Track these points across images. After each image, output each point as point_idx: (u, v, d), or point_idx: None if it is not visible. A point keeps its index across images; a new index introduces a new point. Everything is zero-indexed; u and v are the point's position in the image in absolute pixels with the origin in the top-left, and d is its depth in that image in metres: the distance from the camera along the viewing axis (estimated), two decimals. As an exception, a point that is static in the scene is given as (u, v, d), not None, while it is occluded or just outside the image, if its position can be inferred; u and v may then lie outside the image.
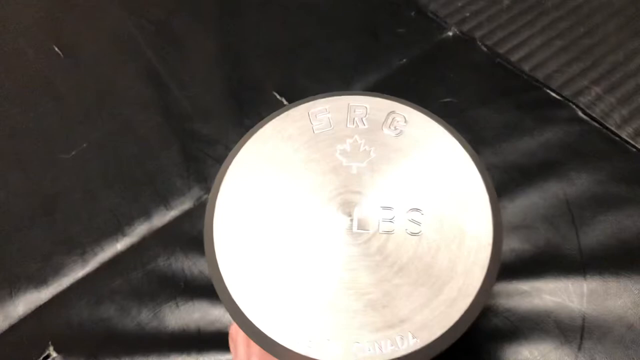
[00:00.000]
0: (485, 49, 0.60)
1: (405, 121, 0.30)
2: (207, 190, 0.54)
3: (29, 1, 0.76)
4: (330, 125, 0.30)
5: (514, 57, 0.59)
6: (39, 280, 0.51)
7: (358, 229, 0.28)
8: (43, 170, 0.58)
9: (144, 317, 0.47)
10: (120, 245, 0.52)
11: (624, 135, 0.50)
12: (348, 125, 0.30)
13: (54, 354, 0.46)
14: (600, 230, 0.45)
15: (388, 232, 0.28)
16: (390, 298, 0.26)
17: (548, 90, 0.55)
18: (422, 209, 0.28)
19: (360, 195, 0.29)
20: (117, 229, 0.53)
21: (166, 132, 0.59)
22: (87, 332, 0.47)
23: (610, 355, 0.39)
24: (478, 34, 0.62)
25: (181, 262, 0.50)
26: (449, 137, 0.30)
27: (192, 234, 0.52)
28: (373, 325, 0.26)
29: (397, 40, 0.62)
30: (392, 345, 0.26)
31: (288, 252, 0.28)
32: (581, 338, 0.40)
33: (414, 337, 0.26)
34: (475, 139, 0.52)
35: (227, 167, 0.30)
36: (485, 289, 0.27)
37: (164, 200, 0.54)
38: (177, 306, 0.48)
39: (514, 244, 0.45)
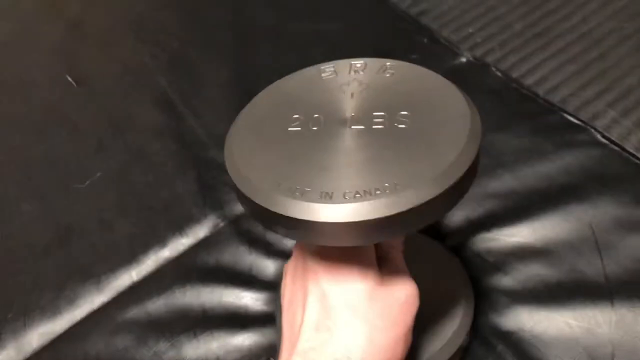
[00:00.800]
0: (499, 74, 0.60)
1: (399, 67, 0.36)
2: (224, 217, 0.54)
3: (42, 31, 0.77)
4: (336, 74, 0.37)
5: (528, 81, 0.59)
6: (53, 311, 0.50)
7: (353, 126, 0.33)
8: (57, 200, 0.58)
9: (161, 347, 0.46)
10: (136, 274, 0.52)
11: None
12: (350, 73, 0.37)
13: (70, 389, 0.46)
14: (626, 255, 0.44)
15: (379, 127, 0.32)
16: (377, 164, 0.30)
17: (565, 114, 0.55)
18: (409, 112, 0.32)
19: (356, 108, 0.34)
20: (132, 258, 0.52)
21: (181, 160, 0.59)
22: (103, 364, 0.46)
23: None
24: (491, 59, 0.62)
25: (198, 290, 0.49)
26: (434, 75, 0.35)
27: (209, 262, 0.51)
28: (363, 180, 0.30)
29: (411, 66, 0.62)
30: (378, 191, 0.28)
31: (290, 139, 0.33)
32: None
33: (398, 185, 0.29)
34: (493, 164, 0.52)
35: (248, 105, 0.37)
36: (463, 159, 0.29)
37: (179, 228, 0.54)
38: (195, 336, 0.47)
39: (537, 270, 0.45)
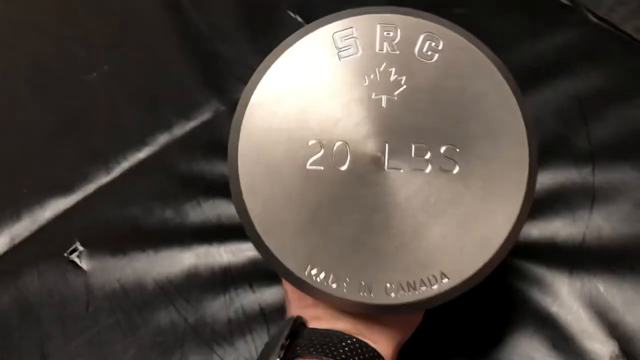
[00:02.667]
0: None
1: (441, 45, 0.28)
2: (226, 102, 0.56)
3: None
4: (358, 51, 0.28)
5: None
6: (66, 187, 0.53)
7: (389, 167, 0.27)
8: (66, 90, 0.60)
9: (168, 215, 0.49)
10: (143, 154, 0.54)
11: (629, 31, 0.51)
12: (377, 51, 0.28)
13: (80, 248, 0.48)
14: (609, 122, 0.46)
15: (421, 170, 0.27)
16: (421, 239, 0.26)
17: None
18: (457, 146, 0.27)
19: (391, 131, 0.27)
20: (139, 140, 0.55)
21: (186, 53, 0.61)
22: (112, 228, 0.49)
23: (616, 229, 0.41)
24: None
25: (202, 165, 0.52)
26: (487, 64, 0.28)
27: (213, 140, 0.53)
28: (405, 266, 0.26)
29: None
30: (423, 286, 0.26)
31: (314, 189, 0.27)
32: (589, 216, 0.42)
33: (445, 277, 0.26)
34: (488, 43, 0.53)
35: (247, 102, 0.29)
36: (517, 229, 0.26)
37: (184, 113, 0.56)
38: (199, 204, 0.49)
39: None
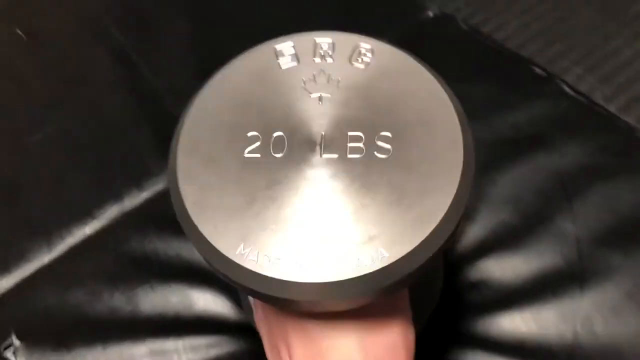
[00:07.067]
0: (466, 28, 0.59)
1: (374, 53, 0.30)
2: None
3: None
4: (297, 61, 0.30)
5: (496, 37, 0.59)
6: (1, 267, 0.47)
7: (324, 153, 0.27)
8: (6, 154, 0.55)
9: (117, 301, 0.44)
10: (89, 229, 0.49)
11: (611, 109, 0.50)
12: (315, 60, 0.30)
13: (17, 343, 0.43)
14: (594, 202, 0.44)
15: (356, 155, 0.27)
16: (359, 218, 0.26)
17: (533, 67, 0.54)
18: (391, 132, 0.28)
19: (327, 123, 0.28)
20: (85, 213, 0.50)
21: (137, 114, 0.57)
22: (54, 318, 0.44)
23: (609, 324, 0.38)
24: (459, 16, 0.61)
25: (155, 243, 0.47)
26: (417, 66, 0.30)
27: (166, 214, 0.48)
28: (343, 244, 0.26)
29: (377, 20, 0.60)
30: (363, 261, 0.25)
31: (250, 175, 0.27)
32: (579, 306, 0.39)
33: (385, 251, 0.25)
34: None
35: (190, 105, 0.30)
36: (457, 206, 0.26)
37: (136, 182, 0.51)
38: (153, 289, 0.45)
39: (504, 216, 0.44)
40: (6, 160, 0.54)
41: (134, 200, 0.50)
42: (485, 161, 0.48)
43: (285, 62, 0.30)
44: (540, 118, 0.49)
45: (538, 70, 0.54)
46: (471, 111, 0.50)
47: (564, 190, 0.45)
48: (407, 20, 0.60)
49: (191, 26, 0.64)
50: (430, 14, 0.61)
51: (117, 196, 0.51)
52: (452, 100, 0.28)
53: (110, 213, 0.50)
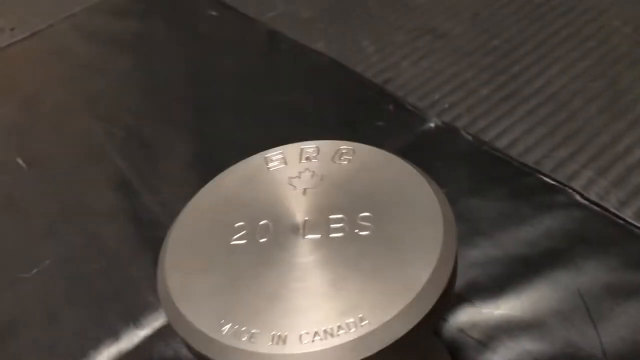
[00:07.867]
0: (470, 138, 0.58)
1: (354, 152, 0.32)
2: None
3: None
4: (284, 164, 0.33)
5: (500, 144, 0.57)
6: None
7: (307, 234, 0.29)
8: (0, 291, 0.53)
9: None
10: (85, 372, 0.46)
11: (626, 217, 0.48)
12: (300, 162, 0.33)
13: None
14: (621, 324, 0.41)
15: (338, 235, 0.28)
16: (340, 289, 0.26)
17: (540, 175, 0.52)
18: (372, 214, 0.29)
19: (310, 211, 0.30)
20: (81, 355, 0.47)
21: (137, 242, 0.55)
22: None
23: None
24: (460, 124, 0.60)
25: (154, 389, 0.44)
26: (396, 160, 0.32)
27: (166, 354, 0.46)
28: (323, 315, 0.26)
29: (378, 133, 0.60)
30: (341, 331, 0.25)
31: (234, 259, 0.28)
32: None
33: (364, 320, 0.25)
34: (470, 231, 0.49)
35: (184, 208, 0.32)
36: (440, 275, 0.26)
37: (133, 318, 0.49)
38: None
39: (527, 345, 0.41)
40: (1, 298, 0.52)
41: (131, 338, 0.48)
42: (498, 279, 0.45)
43: (274, 166, 0.33)
44: (553, 232, 0.47)
45: (546, 179, 0.52)
46: (481, 228, 0.49)
47: (587, 310, 0.42)
48: (409, 131, 0.60)
49: (192, 147, 0.63)
50: (432, 125, 0.60)
51: (114, 335, 0.48)
52: (429, 183, 0.30)
53: (107, 355, 0.47)
